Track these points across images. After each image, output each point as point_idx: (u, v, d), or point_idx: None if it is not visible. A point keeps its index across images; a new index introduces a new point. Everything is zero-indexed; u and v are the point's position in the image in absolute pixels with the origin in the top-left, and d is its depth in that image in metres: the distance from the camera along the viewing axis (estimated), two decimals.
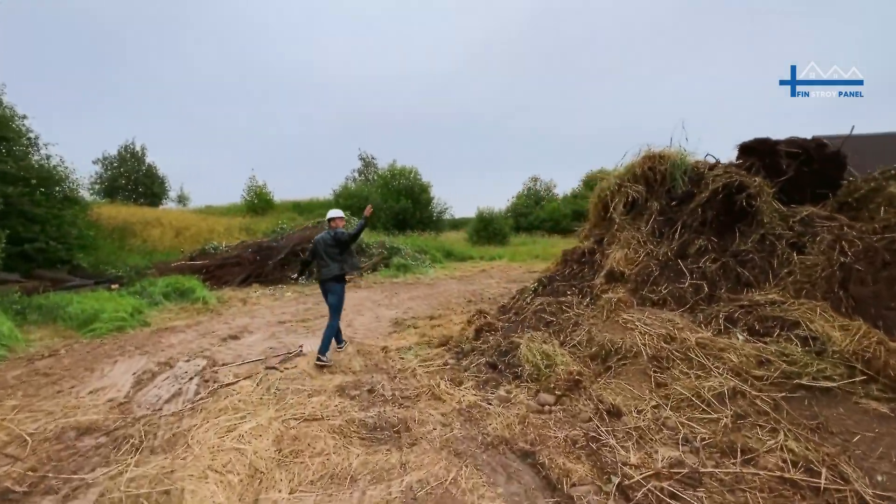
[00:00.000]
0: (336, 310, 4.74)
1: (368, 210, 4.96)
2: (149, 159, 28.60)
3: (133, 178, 27.84)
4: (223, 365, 4.58)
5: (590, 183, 52.49)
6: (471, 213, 36.76)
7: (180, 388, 3.96)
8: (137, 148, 28.30)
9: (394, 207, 28.12)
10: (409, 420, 3.09)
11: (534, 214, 38.43)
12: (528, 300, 4.90)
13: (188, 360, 4.78)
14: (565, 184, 65.70)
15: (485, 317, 4.95)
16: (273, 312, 7.63)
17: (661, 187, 4.54)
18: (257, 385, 3.91)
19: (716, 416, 2.74)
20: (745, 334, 3.32)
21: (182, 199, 31.26)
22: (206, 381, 4.10)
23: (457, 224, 34.51)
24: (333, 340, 4.86)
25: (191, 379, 4.19)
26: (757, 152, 4.45)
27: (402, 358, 4.57)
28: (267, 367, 4.44)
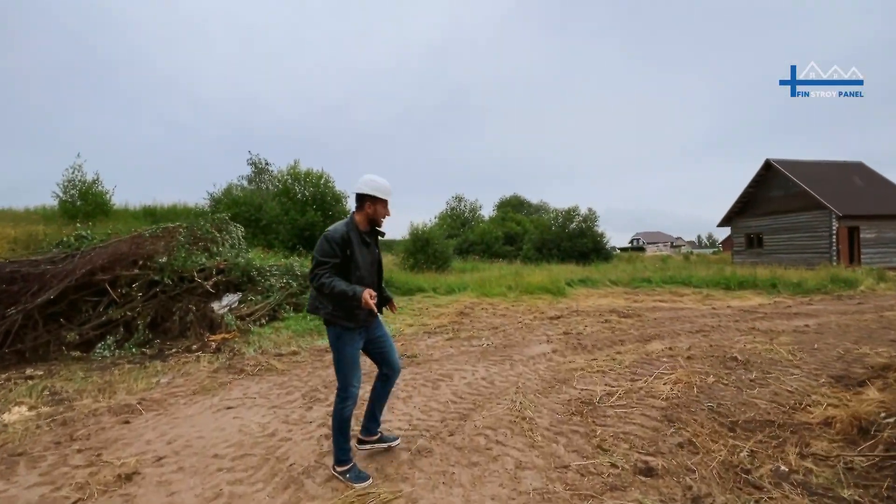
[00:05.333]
0: (337, 375, 2.53)
1: None
2: None
3: None
4: None
5: (508, 204, 50.57)
6: (390, 234, 31.09)
7: None
8: None
9: (298, 221, 21.39)
10: None
11: (462, 236, 34.19)
12: None
13: None
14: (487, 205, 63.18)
15: None
16: None
17: None
18: None
19: None
20: None
21: None
22: None
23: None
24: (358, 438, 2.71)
25: None
26: None
27: None
28: None
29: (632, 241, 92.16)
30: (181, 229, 7.93)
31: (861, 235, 18.67)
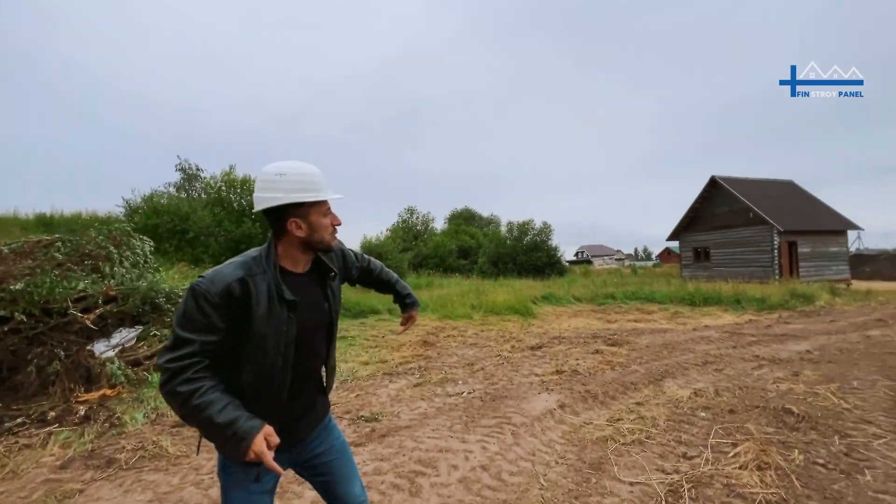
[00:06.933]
0: None
1: None
2: None
3: None
4: None
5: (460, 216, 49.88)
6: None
7: None
8: None
9: (232, 233, 19.15)
10: None
11: (415, 249, 32.85)
12: None
13: None
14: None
15: None
16: None
17: None
18: None
19: None
20: None
21: None
22: None
23: None
24: None
25: None
26: None
27: None
28: None
29: (577, 254, 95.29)
30: (58, 243, 6.03)
31: (799, 250, 19.61)
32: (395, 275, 1.85)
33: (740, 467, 2.59)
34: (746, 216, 20.12)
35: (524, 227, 29.45)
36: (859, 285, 19.15)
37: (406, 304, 1.81)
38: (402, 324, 1.79)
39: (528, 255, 27.42)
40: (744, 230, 20.41)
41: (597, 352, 6.22)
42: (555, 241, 29.07)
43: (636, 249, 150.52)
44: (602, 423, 3.43)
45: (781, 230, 18.82)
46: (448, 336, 8.09)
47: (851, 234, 22.29)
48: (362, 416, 3.81)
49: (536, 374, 5.05)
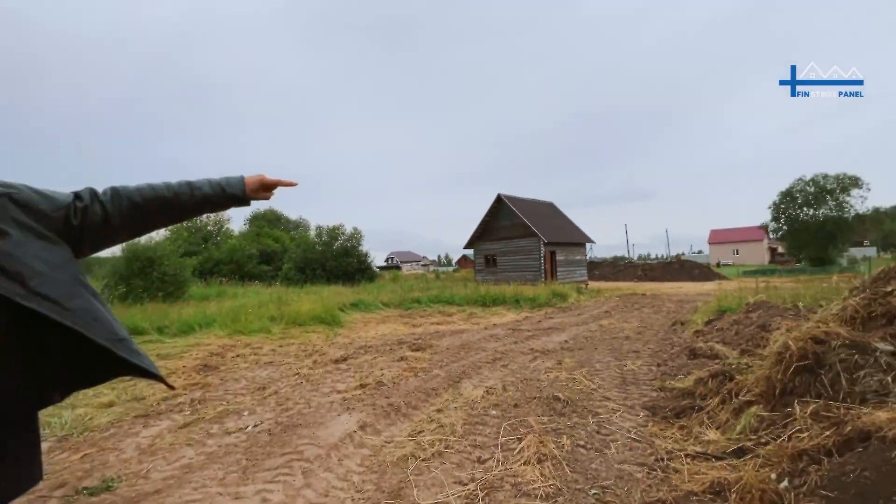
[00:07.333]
0: None
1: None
2: None
3: None
4: None
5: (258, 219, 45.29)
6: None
7: None
8: None
9: None
10: None
11: (205, 253, 28.05)
12: None
13: None
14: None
15: None
16: None
17: None
18: None
19: None
20: None
21: None
22: None
23: None
24: None
25: None
26: None
27: None
28: None
29: (387, 260, 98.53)
30: None
31: (557, 258, 24.57)
32: (177, 181, 1.22)
33: (524, 463, 2.76)
34: (522, 229, 24.14)
35: (334, 232, 28.58)
36: (593, 285, 25.33)
37: (243, 198, 1.31)
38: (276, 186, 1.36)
39: (338, 261, 26.65)
40: (520, 241, 24.43)
41: (402, 359, 6.21)
42: (366, 247, 29.18)
43: (439, 256, 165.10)
44: (403, 439, 3.27)
45: (546, 241, 23.25)
46: (237, 356, 6.92)
47: (588, 245, 29.31)
48: (86, 489, 2.71)
49: (338, 392, 4.65)
